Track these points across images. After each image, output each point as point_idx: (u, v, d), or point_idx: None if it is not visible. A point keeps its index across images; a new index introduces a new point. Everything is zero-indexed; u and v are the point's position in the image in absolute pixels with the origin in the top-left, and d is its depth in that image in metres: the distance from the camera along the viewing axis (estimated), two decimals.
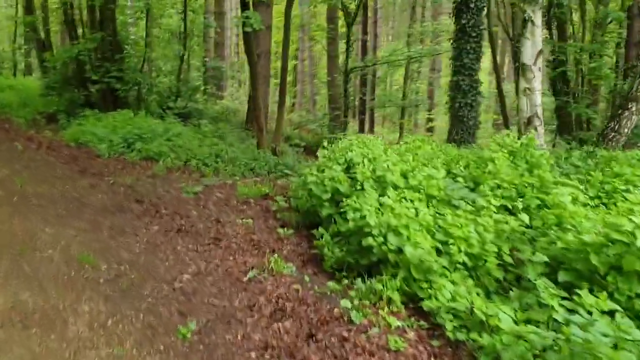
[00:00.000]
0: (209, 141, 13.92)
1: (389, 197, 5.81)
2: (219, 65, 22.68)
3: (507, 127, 15.97)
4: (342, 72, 21.21)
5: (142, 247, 6.05)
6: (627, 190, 6.29)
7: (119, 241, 6.12)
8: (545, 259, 4.43)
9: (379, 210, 5.56)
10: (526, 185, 6.37)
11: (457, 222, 5.21)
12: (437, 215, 5.61)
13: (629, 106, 8.85)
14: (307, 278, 5.42)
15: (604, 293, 3.84)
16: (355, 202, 5.76)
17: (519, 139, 9.11)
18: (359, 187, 6.37)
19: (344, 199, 6.44)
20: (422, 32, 26.95)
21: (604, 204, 6.31)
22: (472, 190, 6.56)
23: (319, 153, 8.31)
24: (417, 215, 5.43)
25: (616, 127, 8.97)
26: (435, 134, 30.08)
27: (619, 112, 9.02)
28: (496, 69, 17.88)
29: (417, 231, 5.13)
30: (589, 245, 4.26)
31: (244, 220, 7.45)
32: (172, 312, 4.48)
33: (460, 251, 4.94)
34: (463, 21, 10.85)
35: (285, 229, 7.04)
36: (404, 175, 6.40)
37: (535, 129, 9.22)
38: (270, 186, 9.44)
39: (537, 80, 9.20)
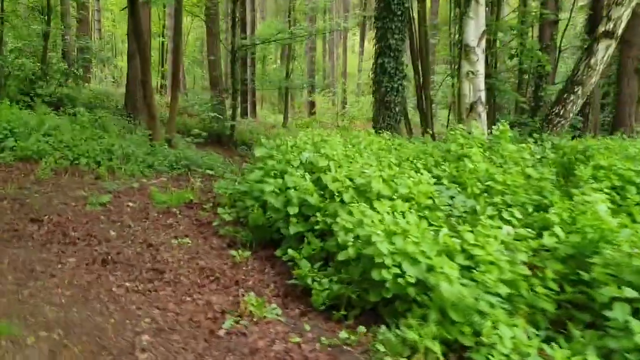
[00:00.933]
0: (89, 132, 12.04)
1: (378, 211, 4.78)
2: (89, 44, 20.18)
3: (420, 110, 15.33)
4: (228, 51, 19.70)
5: (67, 294, 4.54)
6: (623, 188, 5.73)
7: (32, 288, 4.55)
8: (636, 294, 3.63)
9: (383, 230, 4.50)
10: (517, 186, 5.62)
11: (478, 240, 4.30)
12: (446, 231, 4.66)
13: (575, 89, 8.46)
14: (307, 326, 4.24)
15: None
16: (345, 220, 4.65)
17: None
18: (337, 199, 5.26)
19: (317, 214, 5.32)
20: (303, 10, 25.86)
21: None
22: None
23: (257, 151, 7.08)
24: (420, 233, 4.45)
25: (561, 111, 8.57)
26: (319, 116, 29.45)
27: (564, 96, 8.61)
28: (413, 50, 17.12)
29: (437, 256, 4.16)
30: None
31: (180, 240, 6.07)
32: None
33: (495, 280, 4.03)
34: None
35: (239, 250, 5.75)
36: (385, 181, 5.37)
37: (479, 116, 8.61)
38: (192, 191, 8.02)
39: (481, 63, 8.57)
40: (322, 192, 5.59)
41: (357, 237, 4.51)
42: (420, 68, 14.82)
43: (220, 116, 17.08)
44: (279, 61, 35.61)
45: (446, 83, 21.86)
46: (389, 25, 10.10)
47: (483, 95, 8.58)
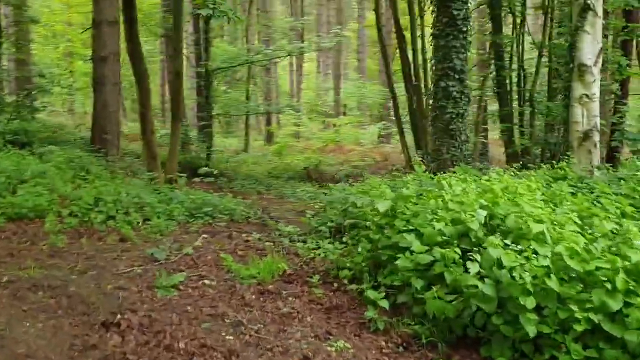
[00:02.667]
0: (70, 176, 10.02)
1: None
2: (51, 71, 17.76)
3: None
4: (202, 74, 17.85)
5: None
6: None
7: None
8: None
9: None
10: None
11: None
12: None
13: None
14: None
15: None
16: None
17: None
18: (607, 285, 3.69)
19: (571, 307, 3.74)
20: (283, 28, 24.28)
21: None
22: None
23: (380, 205, 5.46)
24: None
25: None
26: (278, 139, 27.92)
27: None
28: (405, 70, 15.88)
29: None
30: None
31: (333, 344, 4.31)
32: None
33: None
34: (454, 12, 8.53)
35: None
36: None
37: (595, 146, 7.33)
38: (282, 257, 6.22)
39: (597, 84, 7.29)
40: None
41: None
42: None
43: (211, 147, 15.12)
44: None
45: None
46: (453, 43, 8.68)
47: (598, 121, 7.32)
